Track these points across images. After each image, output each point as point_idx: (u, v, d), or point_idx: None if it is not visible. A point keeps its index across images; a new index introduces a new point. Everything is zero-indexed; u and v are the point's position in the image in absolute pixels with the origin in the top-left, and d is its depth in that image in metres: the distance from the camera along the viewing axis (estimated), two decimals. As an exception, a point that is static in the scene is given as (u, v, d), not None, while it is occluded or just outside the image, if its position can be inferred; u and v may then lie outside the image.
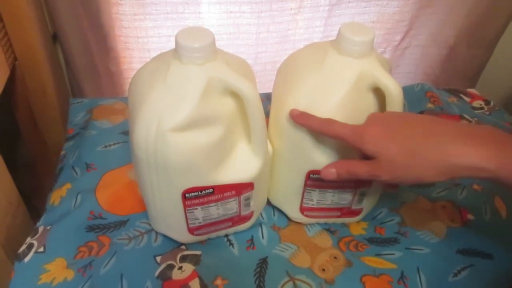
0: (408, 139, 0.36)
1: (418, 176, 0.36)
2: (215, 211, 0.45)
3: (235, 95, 0.40)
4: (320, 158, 0.44)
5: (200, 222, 0.45)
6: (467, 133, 0.35)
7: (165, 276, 0.44)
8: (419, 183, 0.36)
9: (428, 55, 0.94)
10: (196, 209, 0.44)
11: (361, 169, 0.39)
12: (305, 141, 0.43)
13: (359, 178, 0.39)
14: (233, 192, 0.44)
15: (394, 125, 0.38)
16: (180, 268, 0.45)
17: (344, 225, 0.52)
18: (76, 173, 0.56)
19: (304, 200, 0.48)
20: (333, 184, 0.46)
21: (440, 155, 0.34)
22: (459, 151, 0.34)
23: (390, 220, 0.53)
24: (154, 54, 0.51)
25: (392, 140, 0.37)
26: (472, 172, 0.33)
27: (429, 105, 0.73)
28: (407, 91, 0.69)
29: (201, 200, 0.43)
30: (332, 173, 0.41)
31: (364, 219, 0.53)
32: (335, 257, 0.48)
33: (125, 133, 0.63)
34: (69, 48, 0.74)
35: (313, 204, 0.49)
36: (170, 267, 0.45)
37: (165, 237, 0.48)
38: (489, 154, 0.32)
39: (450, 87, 0.81)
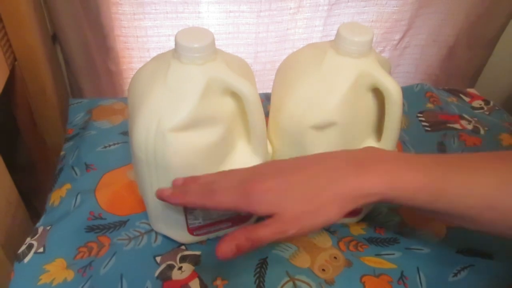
0: (301, 186, 0.35)
1: (324, 220, 0.34)
2: (216, 213, 0.45)
3: (235, 95, 0.40)
4: (320, 158, 0.44)
5: (200, 223, 0.45)
6: (354, 164, 0.35)
7: (165, 276, 0.44)
8: (327, 225, 0.35)
9: (427, 55, 0.94)
10: (196, 209, 0.44)
11: (264, 231, 0.34)
12: (305, 141, 0.43)
13: (264, 243, 0.34)
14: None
15: (282, 175, 0.36)
16: (180, 268, 0.45)
17: (344, 225, 0.52)
18: (76, 174, 0.56)
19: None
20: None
21: (336, 193, 0.34)
22: (351, 184, 0.34)
23: (390, 220, 0.53)
24: (153, 53, 0.52)
25: (285, 192, 0.35)
26: (367, 199, 0.35)
27: (429, 105, 0.73)
28: (407, 91, 0.69)
29: (201, 200, 0.43)
30: (230, 251, 0.33)
31: (364, 219, 0.53)
32: (335, 257, 0.48)
33: (125, 133, 0.63)
34: (69, 48, 0.74)
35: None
36: (170, 267, 0.45)
37: (165, 237, 0.48)
38: (377, 179, 0.34)
39: (450, 87, 0.81)
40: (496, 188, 0.33)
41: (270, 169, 0.38)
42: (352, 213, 0.50)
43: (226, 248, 0.33)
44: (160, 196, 0.39)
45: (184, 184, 0.38)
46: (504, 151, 0.41)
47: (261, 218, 0.35)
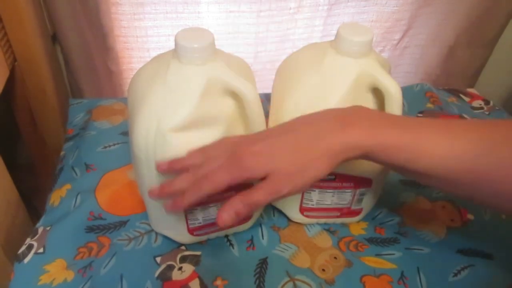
0: (290, 145, 0.36)
1: (314, 175, 0.35)
2: (215, 211, 0.45)
3: (235, 95, 0.39)
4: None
5: (200, 223, 0.45)
6: (341, 120, 0.36)
7: (165, 277, 0.44)
8: (316, 180, 0.36)
9: (427, 54, 0.94)
10: (196, 209, 0.44)
11: (258, 194, 0.35)
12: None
13: (261, 205, 0.36)
14: (233, 193, 0.43)
15: (270, 138, 0.37)
16: (180, 268, 0.45)
17: (344, 225, 0.52)
18: (76, 174, 0.56)
19: (304, 201, 0.48)
20: (332, 184, 0.46)
21: (324, 148, 0.35)
22: (337, 139, 0.35)
23: (390, 220, 0.53)
24: (153, 53, 0.52)
25: (275, 152, 0.36)
26: (352, 152, 0.36)
27: (429, 105, 0.73)
28: (407, 91, 0.69)
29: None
30: (230, 218, 0.35)
31: (364, 219, 0.53)
32: (335, 257, 0.48)
33: (125, 133, 0.62)
34: (69, 49, 0.74)
35: (313, 204, 0.49)
36: (170, 267, 0.45)
37: (165, 237, 0.48)
38: (362, 133, 0.35)
39: (450, 87, 0.81)
40: (476, 153, 0.34)
41: (259, 134, 0.39)
42: (353, 213, 0.50)
43: (226, 216, 0.35)
44: (156, 197, 0.39)
45: (170, 170, 0.38)
46: (489, 119, 0.41)
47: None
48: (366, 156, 0.36)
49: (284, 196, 0.35)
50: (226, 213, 0.35)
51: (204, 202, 0.43)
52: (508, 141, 0.34)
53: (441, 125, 0.37)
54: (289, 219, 0.52)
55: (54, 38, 0.74)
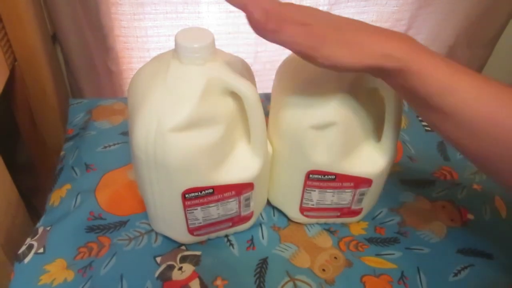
0: (334, 21, 0.36)
1: (346, 54, 0.34)
2: (215, 211, 0.45)
3: (235, 95, 0.39)
4: (320, 158, 0.44)
5: (200, 223, 0.45)
6: (387, 31, 0.36)
7: (165, 277, 0.44)
8: (347, 65, 0.35)
9: (427, 54, 0.94)
10: (196, 209, 0.44)
11: (294, 29, 0.34)
12: (305, 141, 0.43)
13: (286, 40, 0.34)
14: (233, 193, 0.44)
15: (315, 10, 0.37)
16: (180, 268, 0.45)
17: (344, 225, 0.52)
18: (76, 174, 0.56)
19: (304, 200, 0.48)
20: (332, 184, 0.46)
21: (363, 40, 0.35)
22: (380, 40, 0.35)
23: (390, 220, 0.53)
24: (153, 54, 0.52)
25: (320, 17, 0.35)
26: (389, 62, 0.34)
27: (429, 105, 0.73)
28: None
29: (201, 200, 0.43)
30: (261, 13, 0.33)
31: (364, 219, 0.53)
32: (335, 257, 0.48)
33: (125, 133, 0.63)
34: (69, 49, 0.74)
35: (313, 204, 0.49)
36: (170, 267, 0.45)
37: (165, 237, 0.48)
38: (399, 45, 0.35)
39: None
40: (505, 107, 0.33)
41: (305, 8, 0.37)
42: (353, 213, 0.50)
43: (259, 13, 0.33)
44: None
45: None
46: None
47: None
48: (400, 73, 0.35)
49: (310, 57, 0.34)
50: (261, 10, 0.33)
51: (205, 202, 0.43)
52: None
53: (478, 75, 0.35)
54: (289, 219, 0.52)
55: (54, 38, 0.74)
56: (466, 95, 0.34)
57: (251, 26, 0.34)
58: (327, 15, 0.37)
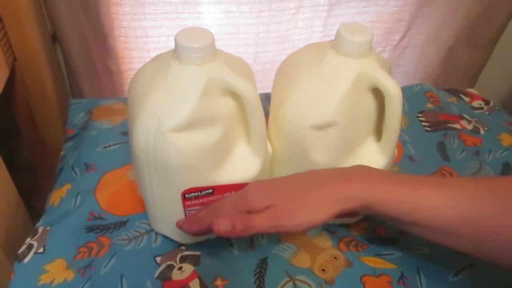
0: (292, 186, 0.40)
1: (313, 218, 0.38)
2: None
3: (235, 95, 0.40)
4: (320, 158, 0.44)
5: (200, 223, 0.45)
6: (342, 175, 0.40)
7: (165, 277, 0.44)
8: (316, 225, 0.38)
9: (427, 55, 0.94)
10: (196, 209, 0.44)
11: (257, 218, 0.37)
12: (305, 141, 0.43)
13: (256, 230, 0.37)
14: (233, 193, 0.44)
15: (274, 181, 0.41)
16: (180, 268, 0.45)
17: (344, 225, 0.52)
18: (76, 174, 0.56)
19: (304, 200, 0.48)
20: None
21: (323, 195, 0.38)
22: (337, 188, 0.38)
23: (390, 220, 0.53)
24: (153, 54, 0.52)
25: (277, 189, 0.39)
26: (350, 203, 0.38)
27: (429, 105, 0.73)
28: (407, 91, 0.69)
29: (201, 200, 0.43)
30: (225, 225, 0.36)
31: (364, 219, 0.53)
32: (335, 257, 0.48)
33: (125, 133, 0.62)
34: (69, 49, 0.74)
35: (313, 204, 0.49)
36: (170, 267, 0.45)
37: (165, 237, 0.48)
38: (358, 185, 0.38)
39: (450, 87, 0.81)
40: (475, 204, 0.35)
41: (264, 181, 0.42)
42: (351, 214, 0.50)
43: (223, 223, 0.36)
44: (179, 225, 0.42)
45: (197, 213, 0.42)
46: (478, 178, 0.46)
47: None
48: (365, 208, 0.38)
49: (285, 232, 0.40)
50: (224, 221, 0.37)
51: (205, 202, 0.43)
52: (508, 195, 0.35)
53: (438, 181, 0.39)
54: (289, 219, 0.52)
55: (54, 38, 0.74)
56: (434, 204, 0.36)
57: (222, 236, 0.38)
58: (284, 182, 0.41)
